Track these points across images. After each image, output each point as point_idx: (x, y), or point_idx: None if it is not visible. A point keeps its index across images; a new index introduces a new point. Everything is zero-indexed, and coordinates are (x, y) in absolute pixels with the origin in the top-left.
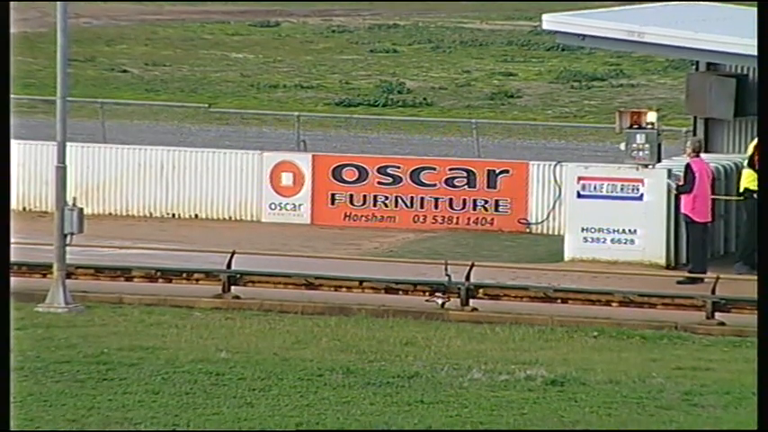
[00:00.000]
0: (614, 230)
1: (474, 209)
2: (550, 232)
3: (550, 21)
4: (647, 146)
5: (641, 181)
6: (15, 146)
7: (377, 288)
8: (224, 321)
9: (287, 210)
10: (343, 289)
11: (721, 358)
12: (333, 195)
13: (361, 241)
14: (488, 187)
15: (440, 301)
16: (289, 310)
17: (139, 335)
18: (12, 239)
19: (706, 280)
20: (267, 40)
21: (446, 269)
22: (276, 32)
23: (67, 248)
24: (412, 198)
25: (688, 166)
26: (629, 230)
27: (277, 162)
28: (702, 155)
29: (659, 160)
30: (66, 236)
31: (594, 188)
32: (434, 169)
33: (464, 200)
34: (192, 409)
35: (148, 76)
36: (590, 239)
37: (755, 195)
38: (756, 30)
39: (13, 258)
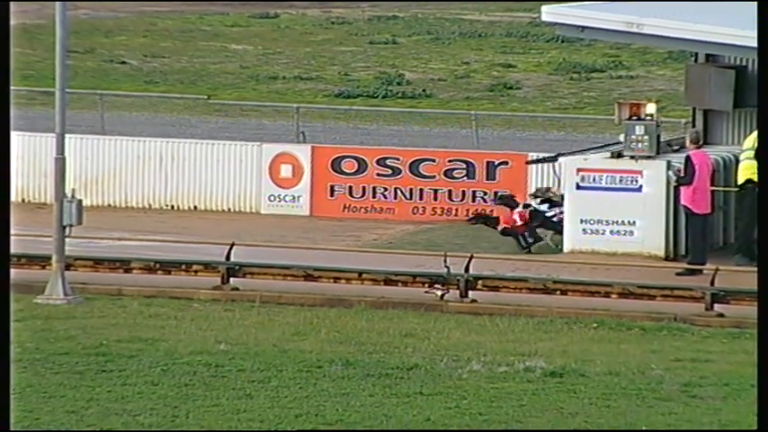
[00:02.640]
0: (613, 222)
1: (473, 200)
2: None
3: (550, 12)
4: (646, 137)
5: (640, 172)
6: (14, 138)
7: (376, 280)
8: (223, 313)
9: (286, 201)
10: (343, 281)
11: (720, 350)
12: (332, 187)
13: (360, 233)
14: (487, 179)
15: (439, 293)
16: (288, 302)
17: (138, 326)
18: (11, 231)
19: (705, 271)
20: (266, 31)
21: (445, 261)
22: (275, 24)
23: (67, 240)
24: (411, 190)
25: (688, 158)
26: (629, 222)
27: (276, 154)
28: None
29: (658, 152)
30: (65, 227)
31: (593, 180)
32: (433, 161)
33: (463, 191)
34: (191, 401)
35: (147, 67)
36: (589, 231)
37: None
38: (756, 23)
39: (12, 250)
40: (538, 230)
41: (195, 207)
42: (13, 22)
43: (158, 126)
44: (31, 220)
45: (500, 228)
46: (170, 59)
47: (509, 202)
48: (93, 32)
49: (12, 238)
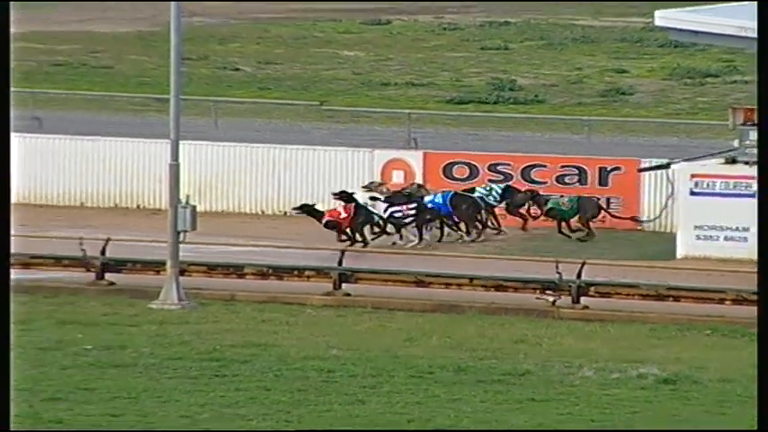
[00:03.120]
0: (727, 228)
1: None
2: (662, 230)
3: (663, 17)
4: None
5: (754, 178)
6: (130, 144)
7: (487, 285)
8: (335, 318)
9: None
10: (454, 286)
11: None
12: None
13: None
14: (600, 185)
15: (550, 299)
16: (399, 308)
17: (251, 332)
18: (126, 237)
19: None
20: (378, 37)
21: (557, 267)
22: (387, 30)
23: (181, 246)
24: None
25: None
26: (742, 228)
27: (388, 160)
28: None
29: None
30: (179, 233)
31: (707, 185)
32: (545, 167)
33: None
34: (303, 406)
35: (261, 74)
36: (702, 237)
37: None
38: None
39: (127, 255)
40: (365, 229)
41: None
42: (128, 29)
43: (271, 132)
44: (147, 225)
45: (324, 220)
46: (283, 66)
47: (346, 196)
48: (207, 39)
49: (126, 243)
